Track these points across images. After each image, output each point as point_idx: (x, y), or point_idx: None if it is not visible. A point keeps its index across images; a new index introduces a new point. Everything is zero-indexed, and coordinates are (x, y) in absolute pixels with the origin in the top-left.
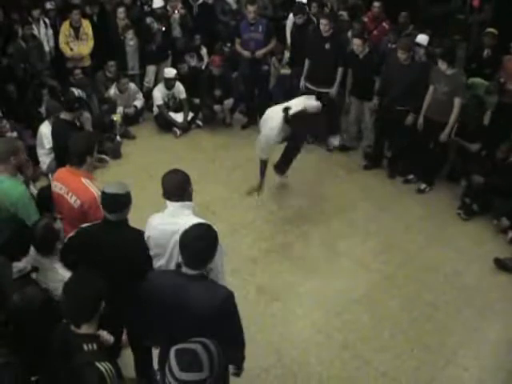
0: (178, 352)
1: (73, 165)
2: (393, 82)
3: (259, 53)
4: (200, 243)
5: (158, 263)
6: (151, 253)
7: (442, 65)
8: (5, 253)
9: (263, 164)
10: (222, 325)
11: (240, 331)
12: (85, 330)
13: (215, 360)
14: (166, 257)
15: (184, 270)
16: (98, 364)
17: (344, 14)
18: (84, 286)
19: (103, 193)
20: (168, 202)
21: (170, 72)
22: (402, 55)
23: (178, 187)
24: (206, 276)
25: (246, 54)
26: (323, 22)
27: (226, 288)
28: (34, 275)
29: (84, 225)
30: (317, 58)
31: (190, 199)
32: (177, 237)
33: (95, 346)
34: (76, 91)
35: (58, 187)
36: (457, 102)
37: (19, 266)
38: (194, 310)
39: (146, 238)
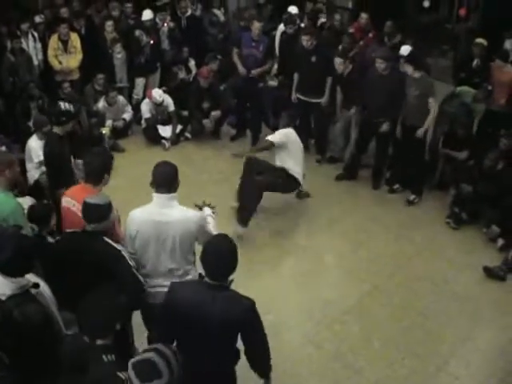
0: (135, 364)
1: (89, 183)
2: (373, 93)
3: (255, 72)
4: (223, 259)
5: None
6: (131, 250)
7: (408, 68)
8: (8, 269)
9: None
10: (247, 334)
11: (265, 339)
12: (101, 341)
13: (173, 363)
14: (153, 250)
15: (206, 279)
16: (119, 374)
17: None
18: (102, 304)
19: (84, 202)
20: (155, 194)
21: (159, 97)
22: (380, 65)
23: (168, 179)
24: (227, 286)
25: (242, 70)
26: (305, 38)
27: (249, 298)
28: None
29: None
30: (305, 71)
31: (175, 191)
32: (170, 227)
33: (114, 357)
34: (63, 104)
35: (70, 203)
36: (431, 100)
37: (22, 282)
38: (218, 322)
39: (133, 234)
